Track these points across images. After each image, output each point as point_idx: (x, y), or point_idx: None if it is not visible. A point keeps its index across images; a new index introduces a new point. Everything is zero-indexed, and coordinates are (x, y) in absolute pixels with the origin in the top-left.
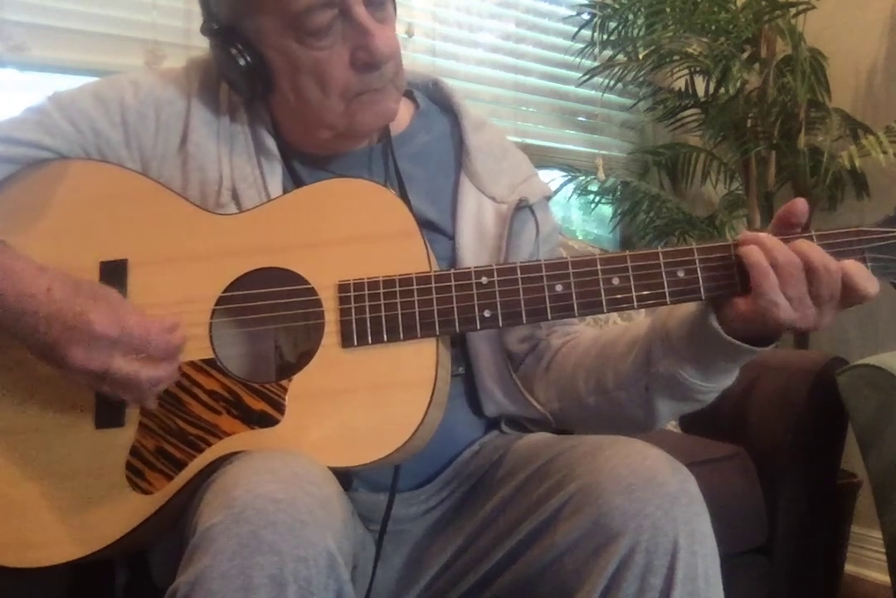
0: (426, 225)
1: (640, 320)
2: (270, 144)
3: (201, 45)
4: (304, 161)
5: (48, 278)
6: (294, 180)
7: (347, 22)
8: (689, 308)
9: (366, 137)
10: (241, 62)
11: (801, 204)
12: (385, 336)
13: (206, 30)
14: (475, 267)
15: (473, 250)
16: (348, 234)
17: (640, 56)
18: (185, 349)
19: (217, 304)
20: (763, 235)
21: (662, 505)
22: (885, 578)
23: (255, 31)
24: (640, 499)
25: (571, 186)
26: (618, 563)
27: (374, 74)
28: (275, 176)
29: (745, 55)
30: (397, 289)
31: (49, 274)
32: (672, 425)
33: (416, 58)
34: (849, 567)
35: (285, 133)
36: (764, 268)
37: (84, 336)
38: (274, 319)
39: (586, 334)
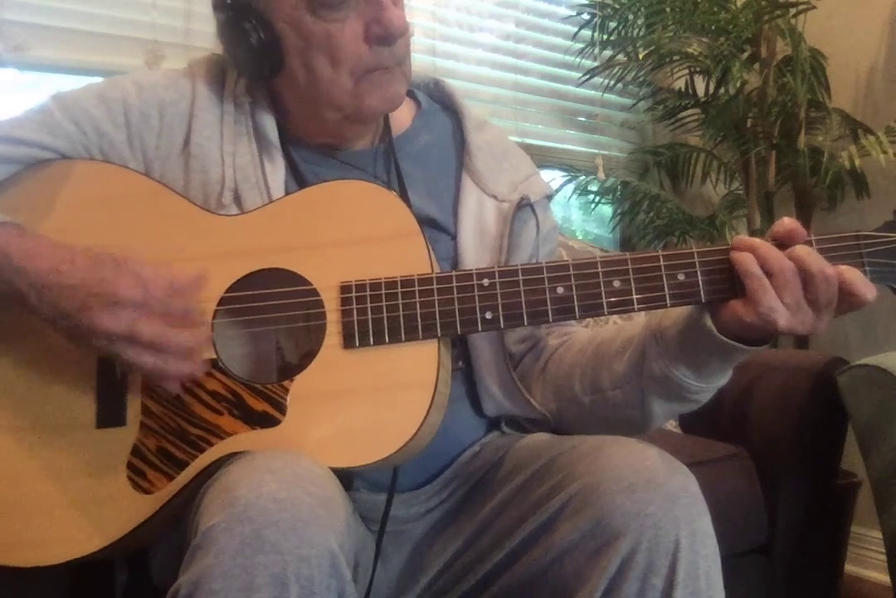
0: (428, 223)
1: (636, 320)
2: (274, 144)
3: (201, 45)
4: (308, 161)
5: (70, 252)
6: (297, 181)
7: None
8: (684, 309)
9: (372, 122)
10: (253, 38)
11: (802, 233)
12: (387, 337)
13: (217, 5)
14: (476, 269)
15: (474, 249)
16: (350, 235)
17: (640, 56)
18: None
19: (219, 304)
20: (758, 241)
21: (663, 505)
22: (885, 578)
23: (267, 4)
24: (642, 499)
25: (571, 186)
26: (619, 563)
27: (386, 51)
28: (277, 177)
29: (745, 55)
30: (399, 290)
31: (71, 248)
32: (672, 425)
33: (416, 58)
34: (849, 567)
35: (291, 122)
36: (757, 276)
37: (109, 301)
38: (276, 319)
39: (582, 335)
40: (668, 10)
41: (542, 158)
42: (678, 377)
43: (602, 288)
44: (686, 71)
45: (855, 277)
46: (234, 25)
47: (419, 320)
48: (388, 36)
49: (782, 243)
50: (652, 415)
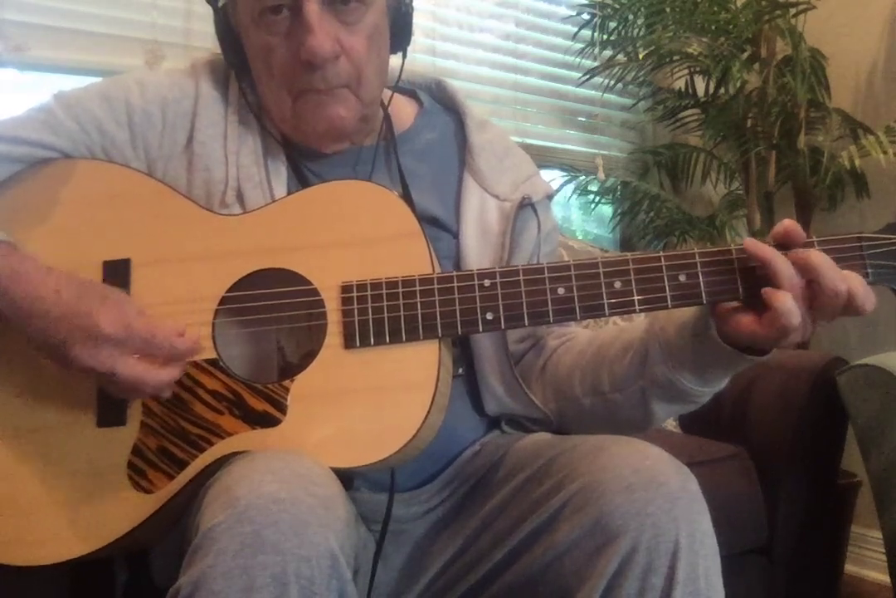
0: (431, 221)
1: (636, 323)
2: (277, 143)
3: (201, 45)
4: (309, 161)
5: (56, 280)
6: (299, 180)
7: (297, 15)
8: (686, 314)
9: (324, 139)
10: (223, 35)
11: (802, 236)
12: (388, 337)
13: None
14: (478, 269)
15: (476, 248)
16: (351, 235)
17: (640, 56)
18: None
19: (220, 304)
20: (772, 254)
21: (664, 505)
22: (885, 578)
23: (234, 6)
24: (642, 499)
25: (571, 186)
26: (619, 563)
27: (316, 74)
28: (280, 177)
29: (745, 55)
30: (400, 290)
31: (56, 275)
32: (672, 425)
33: (417, 58)
34: (849, 567)
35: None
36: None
37: (91, 336)
38: (277, 319)
39: (582, 336)
40: (668, 10)
41: (542, 158)
42: (681, 382)
43: (603, 289)
44: (686, 71)
45: (857, 287)
46: (214, 19)
47: (420, 320)
48: (310, 62)
49: (782, 245)
50: (652, 415)
